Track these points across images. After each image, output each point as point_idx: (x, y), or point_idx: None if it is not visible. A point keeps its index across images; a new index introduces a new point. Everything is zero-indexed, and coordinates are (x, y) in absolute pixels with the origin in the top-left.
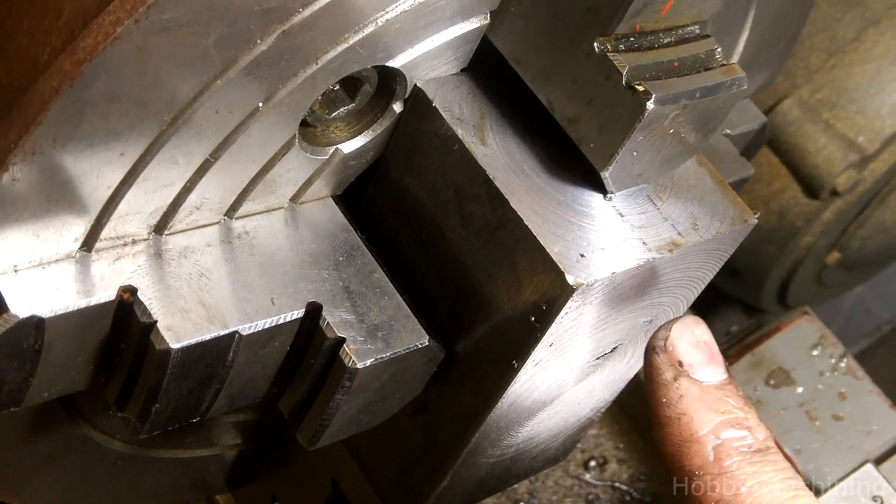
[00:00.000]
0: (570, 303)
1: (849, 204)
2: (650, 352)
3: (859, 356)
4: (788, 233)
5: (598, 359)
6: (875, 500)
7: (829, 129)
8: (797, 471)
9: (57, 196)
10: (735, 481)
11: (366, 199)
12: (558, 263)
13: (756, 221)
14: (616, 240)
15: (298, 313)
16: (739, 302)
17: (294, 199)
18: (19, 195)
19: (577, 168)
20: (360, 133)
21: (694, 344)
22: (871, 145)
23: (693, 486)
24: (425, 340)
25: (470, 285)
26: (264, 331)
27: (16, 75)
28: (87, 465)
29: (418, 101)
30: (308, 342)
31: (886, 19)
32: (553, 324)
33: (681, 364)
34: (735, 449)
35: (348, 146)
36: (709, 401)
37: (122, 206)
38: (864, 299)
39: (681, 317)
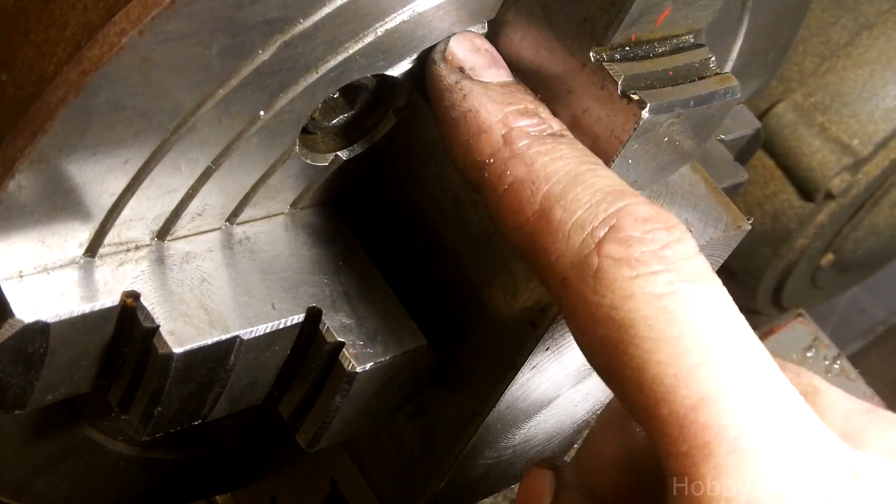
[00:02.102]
0: None
1: (842, 206)
2: (430, 64)
3: (853, 357)
4: (782, 235)
5: None
6: None
7: (823, 132)
8: None
9: (62, 203)
10: (527, 159)
11: (365, 205)
12: None
13: (749, 227)
14: None
15: (299, 318)
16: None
17: (294, 204)
18: (25, 202)
19: None
20: (359, 140)
21: (473, 50)
22: (865, 148)
23: (486, 175)
24: (423, 345)
25: (467, 290)
26: (265, 335)
27: (23, 86)
28: (89, 466)
29: (417, 109)
30: (308, 346)
31: (879, 24)
32: (549, 329)
33: (462, 70)
34: (526, 133)
35: (347, 153)
36: (494, 96)
37: (126, 213)
38: (858, 299)
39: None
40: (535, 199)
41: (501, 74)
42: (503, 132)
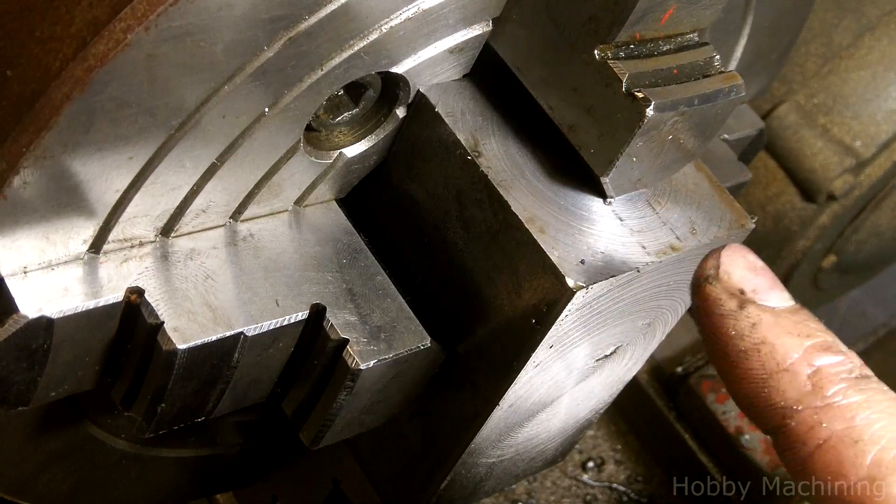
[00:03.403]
0: (569, 306)
1: (845, 208)
2: (702, 283)
3: None
4: (784, 236)
5: (597, 361)
6: None
7: (826, 133)
8: None
9: (66, 199)
10: (845, 412)
11: (369, 202)
12: (558, 267)
13: (753, 226)
14: (615, 244)
15: (302, 315)
16: None
17: (298, 202)
18: (30, 198)
19: (578, 173)
20: (363, 138)
21: (751, 269)
22: (867, 150)
23: (793, 424)
24: (427, 342)
25: (471, 288)
26: (269, 332)
27: (29, 82)
28: (91, 464)
29: (421, 107)
30: (312, 343)
31: (881, 26)
32: (553, 326)
33: (742, 292)
34: (835, 376)
35: (352, 150)
36: (787, 326)
37: (130, 209)
38: (860, 302)
39: (723, 246)
40: (862, 464)
41: (785, 298)
42: (808, 372)
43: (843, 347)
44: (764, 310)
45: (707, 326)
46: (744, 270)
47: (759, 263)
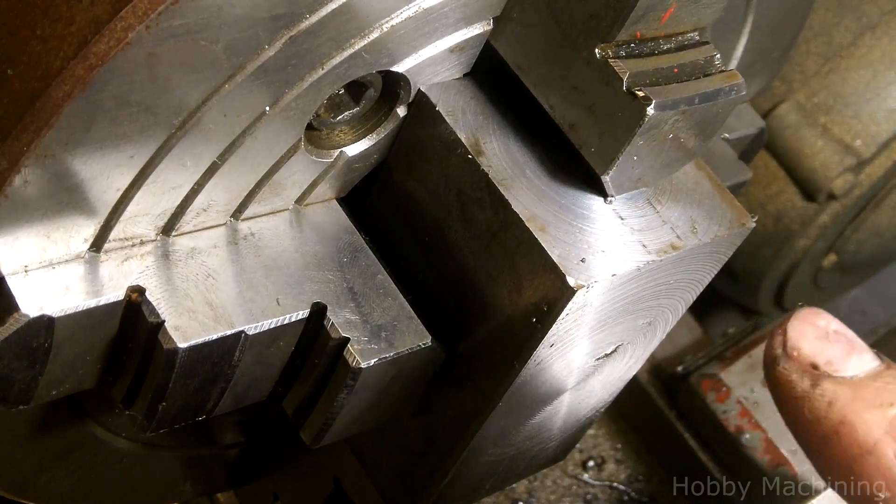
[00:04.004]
0: (570, 304)
1: (845, 207)
2: (772, 366)
3: None
4: (785, 236)
5: (597, 360)
6: None
7: (826, 133)
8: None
9: (67, 198)
10: None
11: (369, 201)
12: (559, 266)
13: (753, 225)
14: (616, 242)
15: (303, 314)
16: (736, 304)
17: (299, 201)
18: (31, 197)
19: (578, 172)
20: (364, 136)
21: (822, 337)
22: (868, 149)
23: None
24: (428, 341)
25: (472, 287)
26: (270, 331)
27: (30, 81)
28: (92, 462)
29: (422, 106)
30: (313, 342)
31: (882, 25)
32: (554, 325)
33: (815, 367)
34: None
35: (353, 149)
36: (869, 397)
37: (131, 208)
38: (860, 301)
39: (789, 315)
40: None
41: (866, 361)
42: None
43: None
44: (840, 383)
45: (784, 412)
46: (815, 341)
47: (833, 326)
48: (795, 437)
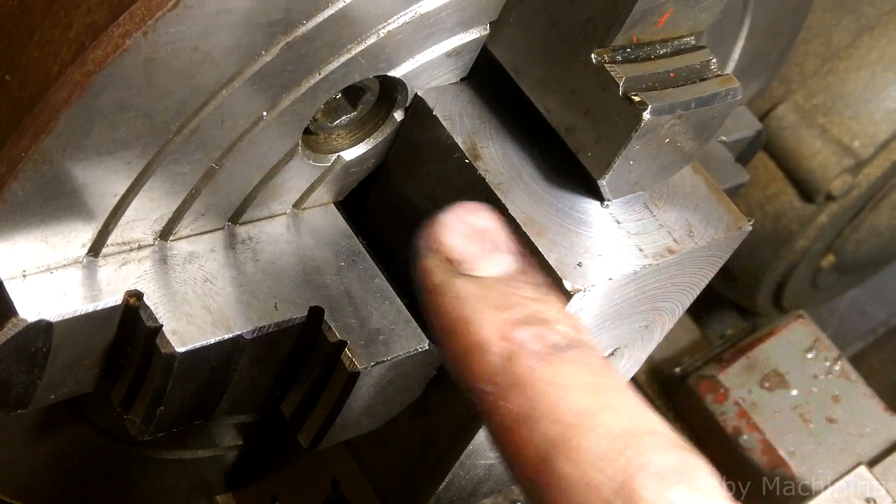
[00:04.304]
0: (567, 308)
1: (843, 208)
2: (417, 255)
3: (854, 358)
4: (783, 236)
5: None
6: (868, 503)
7: (824, 133)
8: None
9: (65, 203)
10: (530, 391)
11: (367, 205)
12: (556, 270)
13: (750, 228)
14: (613, 246)
15: (301, 317)
16: (735, 305)
17: (297, 205)
18: (29, 202)
19: (575, 176)
20: (361, 141)
21: (467, 234)
22: (866, 150)
23: (482, 404)
24: (425, 344)
25: None
26: (267, 335)
27: (27, 87)
28: (91, 466)
29: (419, 110)
30: (310, 346)
31: (881, 25)
32: None
33: (453, 262)
34: (529, 351)
35: (350, 154)
36: (492, 298)
37: (129, 213)
38: (859, 301)
39: (449, 208)
40: (538, 445)
41: (503, 262)
42: (502, 350)
43: (553, 314)
44: (470, 281)
45: (424, 303)
46: (459, 238)
47: (483, 224)
48: (432, 329)
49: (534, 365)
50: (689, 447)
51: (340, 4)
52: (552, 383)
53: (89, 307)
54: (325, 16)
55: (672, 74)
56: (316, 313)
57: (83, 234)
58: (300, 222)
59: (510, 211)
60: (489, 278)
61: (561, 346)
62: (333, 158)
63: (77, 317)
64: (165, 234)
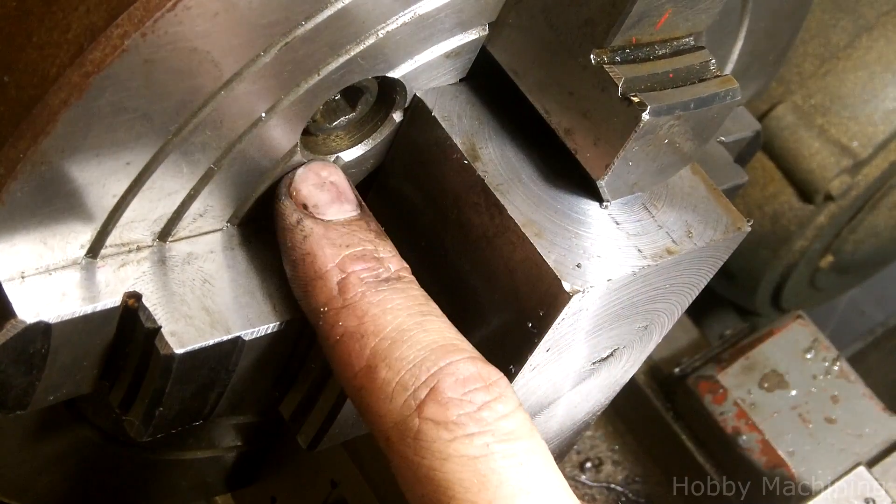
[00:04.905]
0: (566, 309)
1: (842, 208)
2: (275, 200)
3: (853, 358)
4: (782, 237)
5: (594, 363)
6: (868, 503)
7: (823, 134)
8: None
9: (64, 204)
10: (358, 310)
11: None
12: (555, 271)
13: (749, 229)
14: (612, 247)
15: (299, 319)
16: (733, 305)
17: None
18: (27, 204)
19: (574, 177)
20: (360, 142)
21: (318, 185)
22: (865, 150)
23: (320, 324)
24: None
25: (468, 291)
26: (266, 336)
27: (26, 88)
28: (90, 467)
29: (418, 111)
30: (309, 347)
31: (879, 26)
32: (550, 330)
33: (305, 207)
34: (361, 280)
35: (349, 154)
36: (333, 238)
37: (128, 214)
38: (857, 301)
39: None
40: (363, 356)
41: (346, 210)
42: (339, 279)
43: (385, 252)
44: (317, 223)
45: (278, 240)
46: (311, 187)
47: (332, 178)
48: (283, 260)
49: (364, 290)
50: (488, 362)
51: (339, 5)
52: (378, 305)
53: (88, 308)
54: (324, 17)
55: (671, 75)
56: None
57: (82, 236)
58: None
59: (509, 212)
60: (334, 221)
61: (388, 279)
62: (332, 159)
63: (76, 318)
64: (164, 235)
